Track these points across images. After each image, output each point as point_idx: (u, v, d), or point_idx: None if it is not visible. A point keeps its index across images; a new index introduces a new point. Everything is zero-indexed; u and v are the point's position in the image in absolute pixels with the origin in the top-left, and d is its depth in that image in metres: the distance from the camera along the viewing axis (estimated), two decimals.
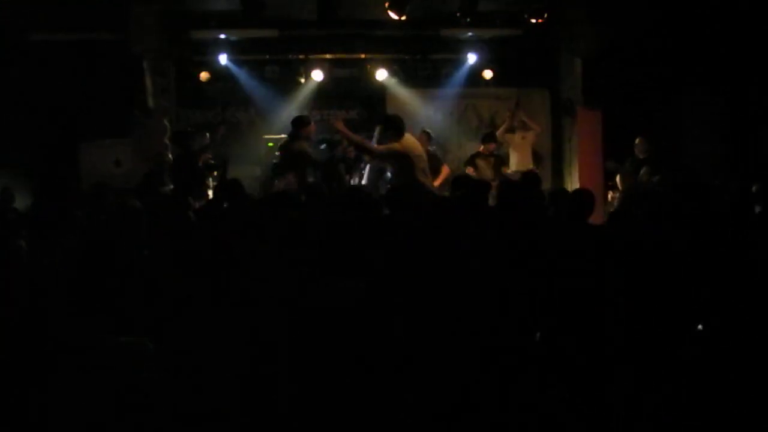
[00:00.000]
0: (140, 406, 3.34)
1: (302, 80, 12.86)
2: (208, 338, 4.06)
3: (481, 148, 11.70)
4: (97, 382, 3.34)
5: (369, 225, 5.61)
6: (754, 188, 7.89)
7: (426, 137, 11.17)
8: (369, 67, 12.89)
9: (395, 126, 8.56)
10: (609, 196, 11.33)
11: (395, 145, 8.43)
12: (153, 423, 3.38)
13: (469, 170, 11.48)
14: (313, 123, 10.10)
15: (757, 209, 7.35)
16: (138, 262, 5.09)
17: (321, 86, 12.91)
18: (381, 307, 4.17)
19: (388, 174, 9.34)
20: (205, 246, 5.25)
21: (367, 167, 10.61)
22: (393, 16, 10.79)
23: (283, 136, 10.97)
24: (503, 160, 11.85)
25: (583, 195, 6.32)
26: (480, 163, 11.54)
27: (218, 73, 12.66)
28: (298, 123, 9.78)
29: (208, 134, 11.43)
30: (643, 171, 10.28)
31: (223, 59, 12.47)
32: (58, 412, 3.32)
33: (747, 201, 7.32)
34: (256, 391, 3.81)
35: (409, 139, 8.65)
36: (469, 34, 12.60)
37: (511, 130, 12.27)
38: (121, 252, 5.22)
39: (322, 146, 10.77)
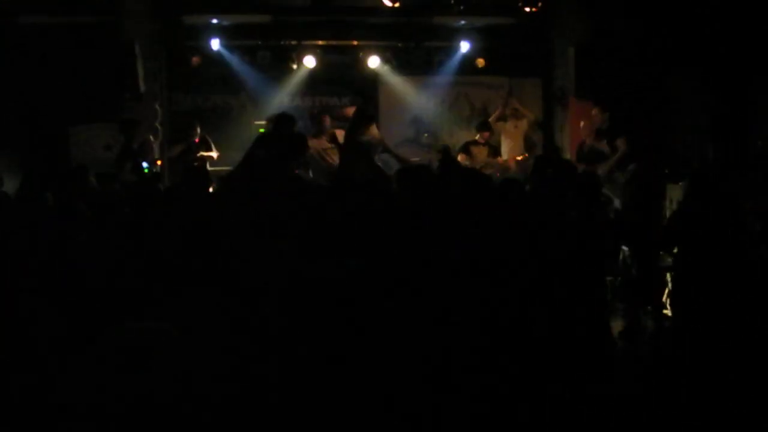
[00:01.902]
0: (165, 392, 3.31)
1: (294, 66, 12.79)
2: (201, 317, 4.06)
3: (477, 136, 11.70)
4: (119, 370, 3.31)
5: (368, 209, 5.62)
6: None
7: None
8: (362, 54, 12.83)
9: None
10: None
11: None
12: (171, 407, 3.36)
13: (462, 157, 11.49)
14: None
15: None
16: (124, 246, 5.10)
17: (313, 72, 12.86)
18: (374, 287, 4.18)
19: None
20: (199, 226, 5.24)
21: None
22: (386, 3, 10.79)
23: None
24: (496, 150, 11.85)
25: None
26: (474, 150, 11.55)
27: (210, 58, 12.60)
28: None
29: (198, 127, 11.37)
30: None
31: (215, 44, 12.40)
32: (81, 400, 3.30)
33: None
34: (251, 370, 3.81)
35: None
36: (462, 21, 12.59)
37: (503, 118, 12.28)
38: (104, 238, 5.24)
39: None
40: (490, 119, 12.27)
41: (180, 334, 3.47)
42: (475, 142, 11.65)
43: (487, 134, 11.65)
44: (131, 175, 9.39)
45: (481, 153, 11.51)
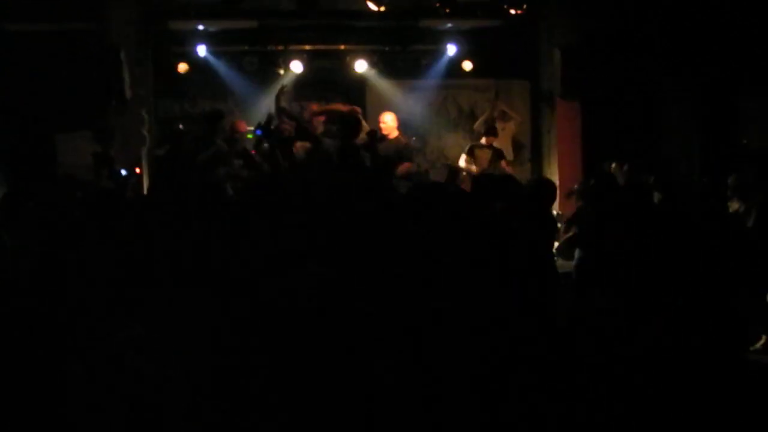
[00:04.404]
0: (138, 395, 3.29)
1: (281, 71, 12.79)
2: (173, 327, 4.03)
3: (483, 140, 11.73)
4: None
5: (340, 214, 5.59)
6: (729, 181, 8.00)
7: None
8: (348, 58, 12.86)
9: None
10: None
11: None
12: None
13: (467, 160, 11.56)
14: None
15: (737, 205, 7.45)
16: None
17: (300, 77, 12.87)
18: (348, 296, 4.15)
19: None
20: (169, 236, 5.21)
21: None
22: (372, 7, 10.80)
23: None
24: (500, 153, 11.84)
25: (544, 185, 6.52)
26: (478, 153, 11.60)
27: (196, 64, 12.59)
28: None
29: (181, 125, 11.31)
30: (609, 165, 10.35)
31: (201, 50, 12.40)
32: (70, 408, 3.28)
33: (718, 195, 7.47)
34: (227, 380, 3.78)
35: None
36: (449, 24, 12.62)
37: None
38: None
39: (258, 131, 10.43)
40: (476, 123, 12.33)
41: (152, 337, 3.47)
42: (480, 146, 11.70)
43: (492, 138, 11.69)
44: (108, 182, 9.38)
45: (485, 156, 11.54)
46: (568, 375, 3.99)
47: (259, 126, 9.78)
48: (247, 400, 3.69)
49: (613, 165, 10.36)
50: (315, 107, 11.19)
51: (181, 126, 11.41)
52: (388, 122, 10.65)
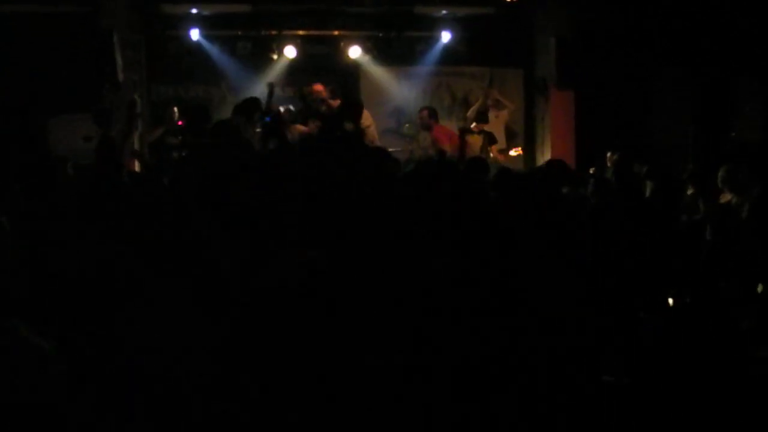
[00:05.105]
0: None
1: (274, 56, 12.73)
2: (155, 319, 4.00)
3: (473, 125, 11.70)
4: None
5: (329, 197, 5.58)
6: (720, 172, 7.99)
7: None
8: (342, 44, 12.80)
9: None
10: None
11: None
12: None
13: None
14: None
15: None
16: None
17: (293, 63, 12.80)
18: (336, 281, 4.13)
19: None
20: (151, 221, 5.17)
21: None
22: None
23: None
24: (492, 137, 11.81)
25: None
26: (469, 139, 11.55)
27: (189, 48, 12.51)
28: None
29: (175, 107, 11.22)
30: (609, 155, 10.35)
31: (194, 34, 12.33)
32: None
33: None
34: (219, 370, 3.77)
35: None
36: (444, 11, 12.58)
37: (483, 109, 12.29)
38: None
39: (267, 118, 10.32)
40: (470, 110, 12.28)
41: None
42: (471, 131, 11.65)
43: (484, 125, 11.66)
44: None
45: (476, 141, 11.51)
46: (566, 371, 3.99)
47: (269, 112, 9.84)
48: (238, 391, 3.68)
49: (608, 154, 10.37)
50: (320, 87, 11.08)
51: (175, 109, 11.30)
52: None
